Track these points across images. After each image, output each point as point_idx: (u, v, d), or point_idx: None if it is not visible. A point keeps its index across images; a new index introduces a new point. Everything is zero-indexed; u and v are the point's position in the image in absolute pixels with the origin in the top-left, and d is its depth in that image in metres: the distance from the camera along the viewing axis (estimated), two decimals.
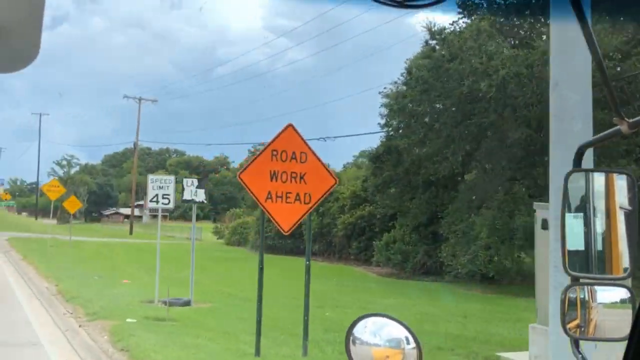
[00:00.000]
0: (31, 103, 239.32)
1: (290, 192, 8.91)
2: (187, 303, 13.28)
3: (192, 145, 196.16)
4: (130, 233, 52.81)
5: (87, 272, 18.88)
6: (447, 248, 22.86)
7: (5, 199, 64.04)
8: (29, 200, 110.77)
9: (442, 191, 26.45)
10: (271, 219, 8.96)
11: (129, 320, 10.78)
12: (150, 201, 13.76)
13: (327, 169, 9.57)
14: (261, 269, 8.94)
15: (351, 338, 1.85)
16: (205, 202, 14.32)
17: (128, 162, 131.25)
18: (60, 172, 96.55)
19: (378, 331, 1.85)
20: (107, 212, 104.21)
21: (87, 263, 22.02)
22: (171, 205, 14.35)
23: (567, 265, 1.71)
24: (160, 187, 13.75)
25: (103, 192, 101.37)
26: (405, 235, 27.02)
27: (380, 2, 1.17)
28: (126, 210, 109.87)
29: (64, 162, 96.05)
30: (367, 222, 32.23)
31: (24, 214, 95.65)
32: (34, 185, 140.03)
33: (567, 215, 1.76)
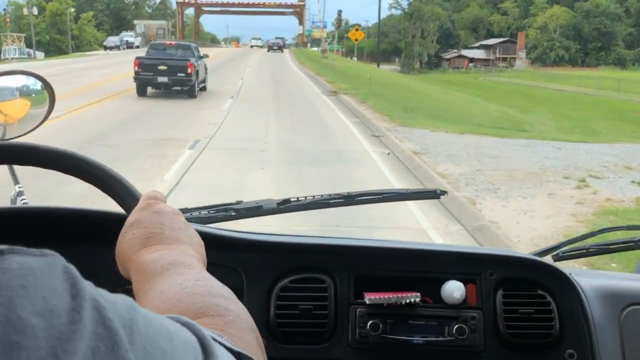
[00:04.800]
0: None
1: None
2: None
3: None
4: None
5: None
6: None
7: (357, 39, 47.59)
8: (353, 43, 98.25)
9: None
10: None
11: None
12: None
13: None
14: None
15: None
16: None
17: None
18: (405, 2, 78.52)
19: None
20: (448, 56, 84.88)
21: None
22: None
23: None
24: None
25: (443, 30, 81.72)
26: None
27: None
28: (470, 53, 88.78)
29: None
30: None
31: (353, 58, 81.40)
32: (357, 28, 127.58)
33: None
